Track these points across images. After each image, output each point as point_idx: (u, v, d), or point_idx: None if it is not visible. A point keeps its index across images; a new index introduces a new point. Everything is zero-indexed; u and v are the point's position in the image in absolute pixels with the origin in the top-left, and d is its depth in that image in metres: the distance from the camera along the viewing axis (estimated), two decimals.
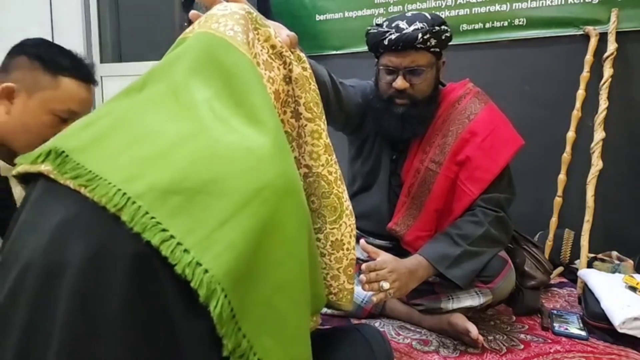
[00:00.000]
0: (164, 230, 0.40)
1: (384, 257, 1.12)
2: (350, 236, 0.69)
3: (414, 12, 1.23)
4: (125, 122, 0.50)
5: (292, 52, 0.64)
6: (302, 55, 0.67)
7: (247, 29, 0.57)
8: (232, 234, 0.43)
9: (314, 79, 0.66)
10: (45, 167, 0.46)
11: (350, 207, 0.68)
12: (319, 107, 0.65)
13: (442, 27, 1.19)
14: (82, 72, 0.98)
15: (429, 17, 1.20)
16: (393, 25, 1.20)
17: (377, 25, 1.26)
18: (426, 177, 1.28)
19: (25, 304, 0.41)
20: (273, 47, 0.61)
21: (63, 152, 0.46)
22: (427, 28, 1.16)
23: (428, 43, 1.17)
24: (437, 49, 1.21)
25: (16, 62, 0.94)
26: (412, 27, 1.17)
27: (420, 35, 1.15)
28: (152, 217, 0.40)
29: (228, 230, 0.42)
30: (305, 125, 0.63)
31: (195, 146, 0.46)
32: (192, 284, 0.39)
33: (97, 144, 0.47)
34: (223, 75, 0.52)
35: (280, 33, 0.64)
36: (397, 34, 1.17)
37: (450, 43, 1.24)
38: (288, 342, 0.47)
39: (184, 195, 0.42)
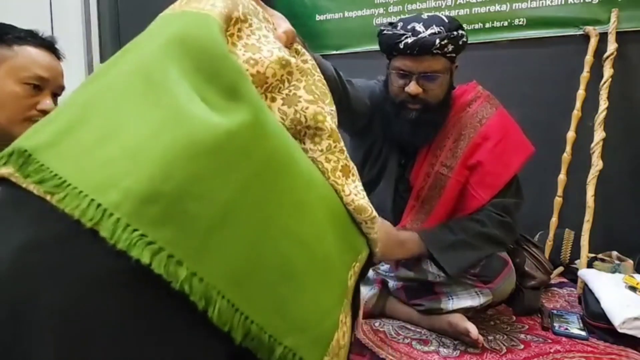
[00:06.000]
0: (150, 243, 0.36)
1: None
2: None
3: (430, 14, 1.18)
4: (92, 112, 0.44)
5: (288, 48, 0.60)
6: (302, 49, 0.63)
7: (232, 7, 0.53)
8: (224, 235, 0.39)
9: (318, 70, 0.62)
10: (6, 170, 0.40)
11: (358, 203, 0.58)
12: (325, 95, 0.60)
13: (460, 31, 1.16)
14: (37, 38, 1.01)
15: (446, 20, 1.16)
16: (409, 27, 1.15)
17: (391, 25, 1.21)
18: (437, 181, 1.27)
19: None
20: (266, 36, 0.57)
21: (25, 151, 0.40)
22: (445, 33, 1.13)
23: (445, 49, 1.14)
24: (453, 54, 1.18)
25: None
26: (430, 31, 1.13)
27: (438, 40, 1.12)
28: (135, 230, 0.36)
29: (219, 232, 0.39)
30: (307, 108, 0.57)
31: (170, 138, 0.40)
32: (191, 298, 0.36)
33: (62, 140, 0.41)
34: (197, 49, 0.47)
35: (277, 24, 0.60)
36: (414, 38, 1.13)
37: None
38: (299, 316, 0.45)
39: (164, 201, 0.37)
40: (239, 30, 0.54)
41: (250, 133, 0.43)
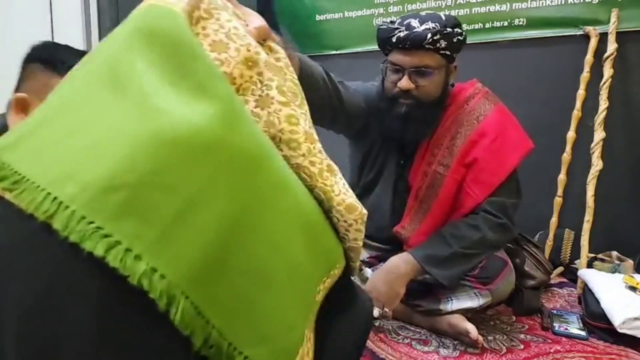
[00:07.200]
0: (106, 236, 0.34)
1: None
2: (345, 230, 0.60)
3: (430, 12, 1.20)
4: (58, 112, 0.43)
5: (261, 44, 0.57)
6: (276, 47, 0.61)
7: (195, 3, 0.52)
8: (188, 229, 0.37)
9: (294, 73, 0.60)
10: None
11: (347, 202, 0.58)
12: (296, 96, 0.58)
13: (455, 29, 1.16)
14: None
15: (443, 17, 1.17)
16: (405, 22, 1.17)
17: (391, 22, 1.22)
18: (434, 180, 1.26)
19: None
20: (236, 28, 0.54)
21: None
22: (438, 29, 1.13)
23: (437, 44, 1.15)
24: (448, 52, 1.18)
25: (26, 70, 0.93)
26: (424, 27, 1.14)
27: (429, 35, 1.12)
28: (91, 222, 0.34)
29: (183, 227, 0.37)
30: (280, 110, 0.55)
31: (135, 130, 0.39)
32: (151, 295, 0.34)
33: (27, 140, 0.41)
34: (163, 42, 0.46)
35: (249, 21, 0.58)
36: (407, 32, 1.15)
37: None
38: (264, 325, 0.43)
39: (126, 192, 0.36)
40: (204, 28, 0.52)
41: (217, 128, 0.42)
